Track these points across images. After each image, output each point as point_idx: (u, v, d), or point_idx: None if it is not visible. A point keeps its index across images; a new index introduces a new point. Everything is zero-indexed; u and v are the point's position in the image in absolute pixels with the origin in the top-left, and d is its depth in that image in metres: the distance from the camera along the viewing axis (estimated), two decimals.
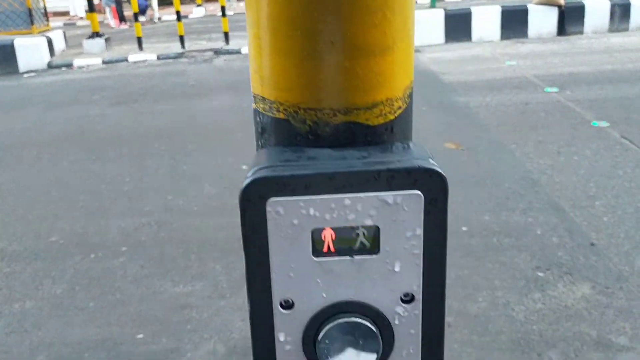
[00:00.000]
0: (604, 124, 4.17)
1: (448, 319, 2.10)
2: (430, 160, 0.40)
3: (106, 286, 2.51)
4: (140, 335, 2.17)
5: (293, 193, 0.39)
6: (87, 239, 2.94)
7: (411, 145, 0.43)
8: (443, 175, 0.38)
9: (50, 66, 7.93)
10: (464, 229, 2.80)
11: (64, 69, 7.86)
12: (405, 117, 0.43)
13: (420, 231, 0.40)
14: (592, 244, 2.63)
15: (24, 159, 4.20)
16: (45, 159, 4.18)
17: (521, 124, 4.29)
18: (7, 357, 2.09)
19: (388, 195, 0.39)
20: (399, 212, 0.39)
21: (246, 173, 0.40)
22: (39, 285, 2.55)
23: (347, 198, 0.39)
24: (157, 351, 2.08)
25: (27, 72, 7.73)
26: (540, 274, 2.43)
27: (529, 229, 2.79)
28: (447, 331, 1.99)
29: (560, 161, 3.58)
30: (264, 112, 0.43)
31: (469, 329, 2.09)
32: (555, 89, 5.14)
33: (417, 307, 0.41)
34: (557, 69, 5.91)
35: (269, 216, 0.39)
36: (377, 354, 0.41)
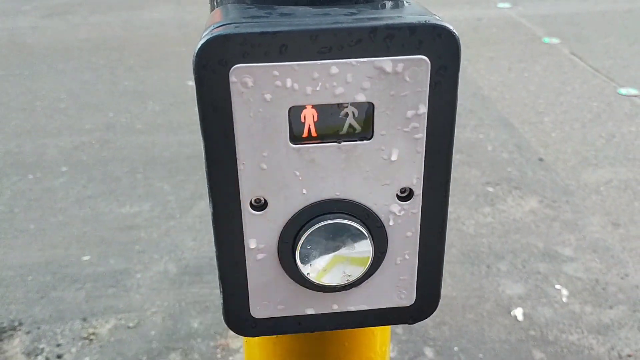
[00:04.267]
0: (554, 40, 4.17)
1: None
2: (437, 17, 0.31)
3: (47, 207, 2.39)
4: (87, 257, 2.09)
5: (264, 58, 0.29)
6: (24, 159, 2.77)
7: (408, 1, 0.34)
8: (455, 35, 0.30)
9: None
10: None
11: None
12: None
13: (424, 109, 0.31)
14: (541, 159, 2.67)
15: None
16: None
17: (473, 40, 4.23)
18: None
19: (386, 62, 0.30)
20: (399, 85, 0.31)
21: (200, 34, 0.30)
22: None
23: (334, 65, 0.30)
24: (105, 273, 2.01)
25: None
26: (490, 189, 2.46)
27: (480, 145, 2.80)
28: None
29: (510, 77, 3.57)
30: None
31: None
32: (507, 5, 5.07)
33: (415, 205, 0.34)
34: None
35: (233, 89, 0.30)
36: (368, 262, 0.34)
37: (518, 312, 1.81)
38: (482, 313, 1.81)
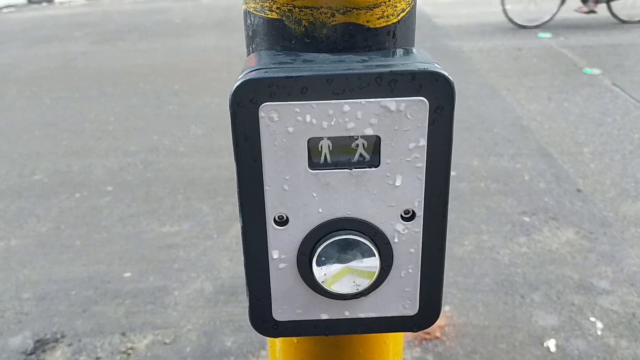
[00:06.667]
0: (595, 71, 4.13)
1: None
2: (436, 64, 0.36)
3: (92, 225, 2.49)
4: (128, 274, 2.17)
5: (288, 97, 0.35)
6: (72, 178, 2.90)
7: (414, 50, 0.39)
8: (450, 80, 0.35)
9: (30, 1, 7.65)
10: (453, 173, 2.79)
11: (44, 4, 7.59)
12: (409, 22, 0.40)
13: (424, 142, 0.37)
14: (579, 190, 2.64)
15: (4, 96, 4.09)
16: (26, 96, 4.08)
17: (513, 69, 4.24)
18: None
19: (390, 102, 0.36)
20: (402, 121, 0.36)
21: (236, 76, 0.36)
22: (24, 223, 2.53)
23: (346, 104, 0.36)
24: (145, 289, 2.08)
25: (6, 6, 7.46)
26: (526, 218, 2.44)
27: (517, 175, 2.79)
28: None
29: (550, 107, 3.56)
30: (254, 12, 0.40)
31: (454, 271, 2.11)
32: (548, 35, 5.07)
33: (417, 224, 0.39)
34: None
35: (261, 123, 0.36)
36: (375, 274, 0.39)
37: (551, 344, 1.79)
38: (515, 343, 1.80)
